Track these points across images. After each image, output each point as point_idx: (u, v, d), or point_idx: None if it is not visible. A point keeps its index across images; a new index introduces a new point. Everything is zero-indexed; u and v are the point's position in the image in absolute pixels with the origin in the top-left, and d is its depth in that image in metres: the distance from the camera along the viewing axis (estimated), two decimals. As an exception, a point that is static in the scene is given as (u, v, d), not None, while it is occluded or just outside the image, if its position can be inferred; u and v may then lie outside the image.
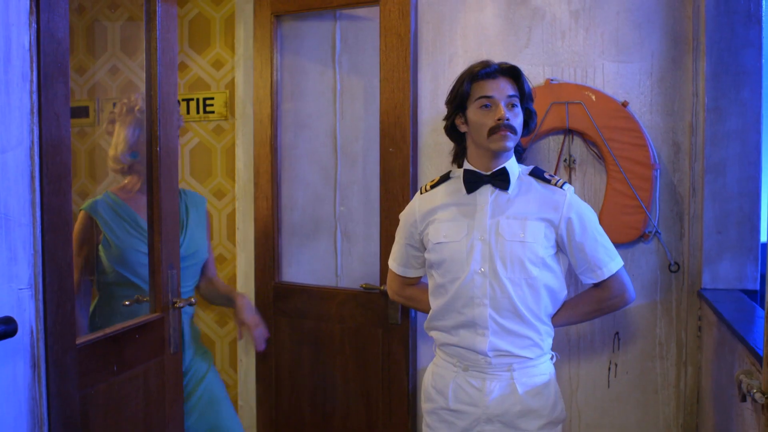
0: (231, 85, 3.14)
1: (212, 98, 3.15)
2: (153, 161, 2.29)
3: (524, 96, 2.04)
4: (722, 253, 2.57)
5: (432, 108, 2.82)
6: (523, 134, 2.08)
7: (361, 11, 2.88)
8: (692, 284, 2.64)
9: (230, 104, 3.15)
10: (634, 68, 2.63)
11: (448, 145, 2.75)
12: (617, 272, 2.06)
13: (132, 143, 2.38)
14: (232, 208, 3.19)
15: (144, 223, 2.35)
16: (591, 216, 2.05)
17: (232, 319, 3.30)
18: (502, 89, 2.00)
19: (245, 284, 3.14)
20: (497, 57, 2.76)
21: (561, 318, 2.10)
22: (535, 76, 2.69)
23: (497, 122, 1.97)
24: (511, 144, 2.00)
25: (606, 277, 2.05)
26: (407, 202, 2.65)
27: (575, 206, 2.02)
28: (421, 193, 2.19)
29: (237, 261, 3.17)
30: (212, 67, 3.17)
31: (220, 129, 3.19)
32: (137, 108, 2.36)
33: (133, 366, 2.17)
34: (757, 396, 1.66)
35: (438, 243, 2.06)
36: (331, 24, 2.97)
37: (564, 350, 2.75)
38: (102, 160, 3.27)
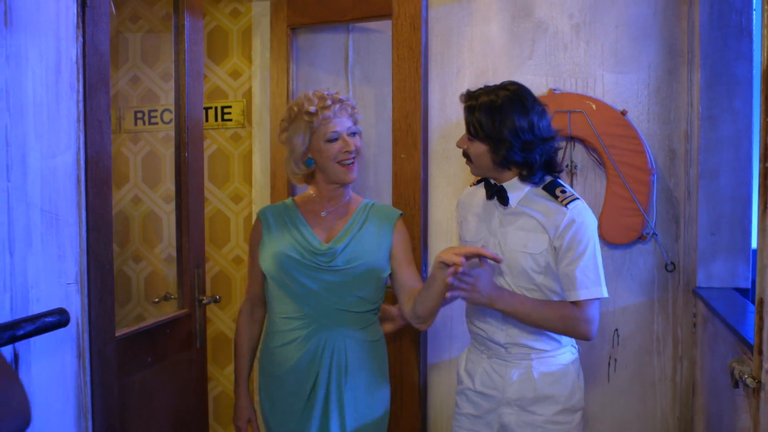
0: (248, 94, 3.26)
1: (230, 107, 3.27)
2: (181, 165, 2.41)
3: (483, 126, 2.02)
4: (716, 253, 2.69)
5: (441, 116, 2.94)
6: (516, 162, 2.06)
7: (373, 24, 3.00)
8: (687, 283, 2.76)
9: (247, 112, 3.27)
10: (632, 79, 2.76)
11: (456, 151, 2.89)
12: (591, 300, 2.01)
13: (303, 150, 2.18)
14: (248, 212, 3.31)
15: (305, 230, 2.19)
16: (585, 239, 2.01)
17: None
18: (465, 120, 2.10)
19: (261, 284, 3.27)
20: (502, 68, 2.89)
21: (516, 301, 2.03)
22: (538, 86, 2.81)
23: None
24: (473, 171, 2.14)
25: (581, 298, 2.00)
26: (419, 205, 2.77)
27: (573, 228, 2.01)
28: (470, 186, 2.33)
29: (253, 262, 3.30)
30: (230, 77, 3.29)
31: (238, 136, 3.31)
32: (304, 111, 2.15)
33: (164, 358, 2.29)
34: (749, 381, 1.79)
35: (464, 241, 2.24)
36: (344, 36, 3.10)
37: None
38: (125, 166, 3.38)
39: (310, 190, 2.28)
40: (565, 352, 2.17)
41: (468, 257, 1.89)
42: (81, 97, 1.86)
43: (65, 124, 1.81)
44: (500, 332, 2.14)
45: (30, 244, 1.68)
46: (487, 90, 2.07)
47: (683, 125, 2.73)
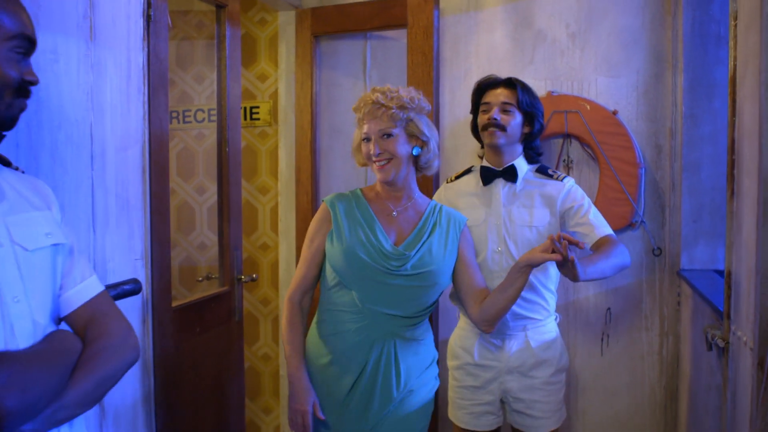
0: (274, 96, 3.54)
1: (258, 107, 3.55)
2: (223, 158, 2.69)
3: (521, 103, 2.42)
4: (697, 239, 2.96)
5: (450, 116, 3.22)
6: (530, 136, 2.48)
7: (389, 33, 3.28)
8: (672, 266, 3.04)
9: (273, 112, 3.55)
10: (623, 82, 3.04)
11: (464, 147, 3.17)
12: (610, 234, 2.34)
13: (358, 142, 2.19)
14: (275, 203, 3.59)
15: (378, 230, 2.10)
16: (585, 197, 2.41)
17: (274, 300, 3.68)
18: (497, 96, 2.43)
19: (287, 269, 3.55)
20: (505, 73, 3.14)
21: (591, 262, 2.16)
22: (537, 88, 3.07)
23: (488, 121, 2.40)
24: (500, 140, 2.40)
25: (601, 235, 2.32)
26: (431, 195, 3.04)
27: (572, 193, 2.40)
28: (447, 183, 2.60)
29: (279, 249, 3.58)
30: (258, 80, 3.57)
31: (265, 134, 3.59)
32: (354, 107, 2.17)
33: (209, 329, 2.57)
34: (719, 342, 2.06)
35: None
36: (362, 43, 3.38)
37: (564, 324, 3.13)
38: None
39: (377, 185, 2.20)
40: (552, 321, 2.47)
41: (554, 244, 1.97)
42: (146, 99, 2.14)
43: (134, 121, 2.09)
44: None
45: (107, 224, 1.97)
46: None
47: (668, 123, 3.00)
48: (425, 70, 3.01)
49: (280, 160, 3.53)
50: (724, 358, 2.05)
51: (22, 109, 1.24)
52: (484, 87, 2.48)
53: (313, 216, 2.25)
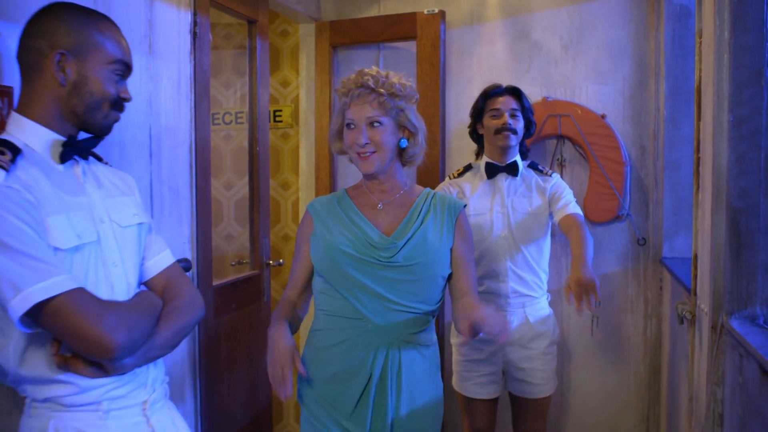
0: (296, 100, 3.85)
1: (281, 110, 3.87)
2: (254, 157, 3.00)
3: (524, 109, 2.76)
4: (678, 230, 3.24)
5: (455, 119, 3.52)
6: (526, 136, 2.81)
7: (400, 44, 3.58)
8: (655, 254, 3.33)
9: (295, 115, 3.86)
10: (611, 89, 3.33)
11: (467, 148, 3.46)
12: (578, 213, 2.63)
13: (336, 128, 2.02)
14: (296, 197, 3.90)
15: (363, 223, 1.95)
16: (565, 188, 2.75)
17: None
18: (506, 103, 2.73)
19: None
20: (505, 80, 3.44)
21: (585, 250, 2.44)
22: (534, 94, 3.37)
23: (502, 125, 2.71)
24: (512, 142, 2.72)
25: (571, 212, 2.63)
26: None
27: (557, 185, 2.76)
28: (450, 179, 2.90)
29: (298, 239, 3.91)
30: (280, 86, 3.89)
31: (287, 135, 3.90)
32: (336, 90, 2.02)
33: (243, 307, 2.87)
34: (687, 315, 2.36)
35: (469, 215, 2.76)
36: (375, 53, 3.69)
37: (557, 308, 3.42)
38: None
39: (361, 181, 2.07)
40: (545, 299, 2.79)
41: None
42: (192, 105, 2.45)
43: (183, 124, 2.40)
44: (505, 287, 2.71)
45: (162, 212, 2.28)
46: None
47: (651, 126, 3.30)
48: (433, 78, 3.31)
49: (300, 158, 3.84)
50: (691, 328, 2.35)
51: (116, 120, 1.55)
52: (491, 94, 2.79)
53: None
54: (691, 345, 2.35)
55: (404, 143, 1.97)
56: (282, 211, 3.93)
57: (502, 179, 2.77)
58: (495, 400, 2.80)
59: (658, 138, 3.27)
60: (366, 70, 1.96)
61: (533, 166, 2.82)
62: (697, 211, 2.29)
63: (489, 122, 2.77)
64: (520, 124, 2.75)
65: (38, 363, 1.37)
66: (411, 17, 3.36)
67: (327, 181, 3.59)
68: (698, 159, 2.29)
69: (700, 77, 2.24)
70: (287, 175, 3.89)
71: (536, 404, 2.75)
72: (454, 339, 2.86)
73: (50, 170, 1.42)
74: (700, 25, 2.24)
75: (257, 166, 2.96)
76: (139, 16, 2.13)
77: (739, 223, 1.85)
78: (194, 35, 2.44)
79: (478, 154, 2.90)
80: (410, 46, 3.53)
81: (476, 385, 2.76)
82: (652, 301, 3.35)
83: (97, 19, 1.50)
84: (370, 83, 1.91)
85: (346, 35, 3.54)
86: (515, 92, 2.79)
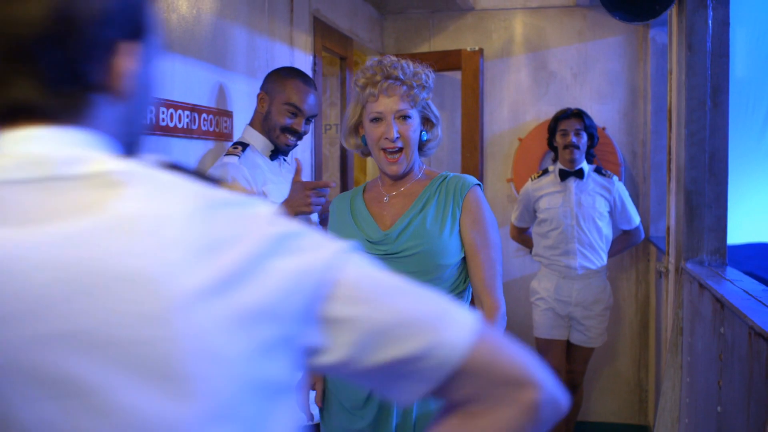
0: (363, 116, 4.78)
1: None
2: (344, 161, 3.91)
3: (587, 126, 3.52)
4: (661, 216, 4.07)
5: (489, 132, 4.41)
6: (591, 146, 3.58)
7: (446, 73, 4.49)
8: (645, 234, 4.21)
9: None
10: (609, 107, 4.22)
11: (499, 154, 4.37)
12: (639, 224, 3.59)
13: (353, 122, 1.87)
14: (363, 192, 4.82)
15: (364, 220, 1.82)
16: (627, 194, 3.55)
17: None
18: (572, 124, 3.53)
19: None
20: (527, 102, 4.36)
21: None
22: (550, 112, 4.24)
23: (567, 143, 3.51)
24: (576, 156, 3.49)
25: (634, 227, 3.57)
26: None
27: (619, 189, 3.54)
28: (532, 180, 3.68)
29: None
30: (350, 105, 4.81)
31: (355, 143, 4.83)
32: (354, 81, 1.83)
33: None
34: (662, 269, 3.25)
35: (546, 209, 3.54)
36: (426, 80, 4.59)
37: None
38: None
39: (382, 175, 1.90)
40: (604, 271, 3.59)
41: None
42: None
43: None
44: (574, 262, 3.50)
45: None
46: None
47: (640, 136, 4.19)
48: (474, 101, 4.22)
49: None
50: (665, 279, 3.23)
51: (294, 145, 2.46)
52: (561, 117, 3.58)
53: None
54: (665, 288, 3.23)
55: (426, 136, 1.87)
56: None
57: (572, 181, 3.54)
58: (563, 344, 3.56)
59: (646, 145, 4.16)
60: (390, 57, 1.81)
61: (598, 171, 3.58)
62: (669, 196, 3.18)
63: (559, 139, 3.54)
64: (583, 140, 3.49)
65: None
66: (457, 53, 4.26)
67: (389, 179, 4.50)
68: (669, 159, 3.18)
69: (670, 102, 3.14)
70: (357, 173, 4.81)
71: (587, 351, 3.58)
72: (532, 297, 3.62)
73: (264, 161, 2.35)
74: (670, 66, 3.14)
75: (346, 167, 3.87)
76: (283, 58, 3.04)
77: (692, 201, 2.73)
78: (314, 71, 3.35)
79: (555, 160, 3.69)
80: (456, 75, 4.43)
81: (550, 328, 3.52)
82: (642, 270, 4.22)
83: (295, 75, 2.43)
84: (400, 74, 1.76)
85: (404, 66, 4.45)
86: (579, 114, 3.54)
